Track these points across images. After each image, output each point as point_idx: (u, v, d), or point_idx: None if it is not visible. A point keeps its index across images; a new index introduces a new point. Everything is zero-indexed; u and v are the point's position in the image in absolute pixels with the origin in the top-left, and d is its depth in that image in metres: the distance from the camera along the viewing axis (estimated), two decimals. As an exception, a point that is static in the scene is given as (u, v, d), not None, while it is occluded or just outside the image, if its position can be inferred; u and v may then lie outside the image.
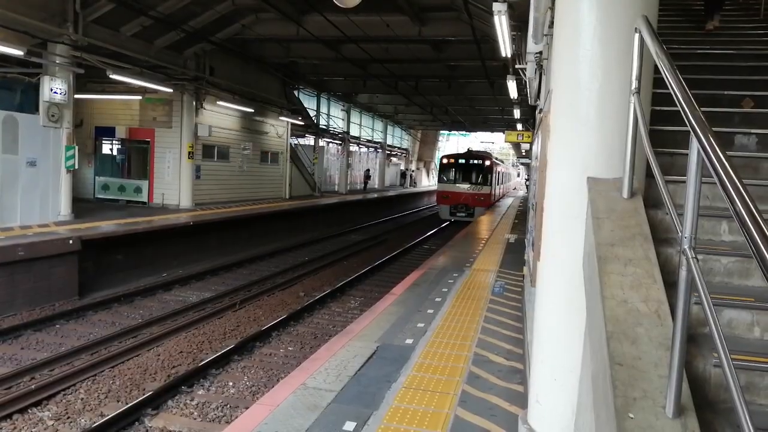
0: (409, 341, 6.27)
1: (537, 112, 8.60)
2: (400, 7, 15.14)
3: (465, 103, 30.46)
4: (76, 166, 14.66)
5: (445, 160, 31.28)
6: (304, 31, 15.86)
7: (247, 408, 4.86)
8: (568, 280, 3.43)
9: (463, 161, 30.08)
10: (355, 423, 4.24)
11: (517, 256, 12.81)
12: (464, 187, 29.18)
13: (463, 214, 28.86)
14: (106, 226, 13.22)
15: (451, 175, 29.84)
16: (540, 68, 6.63)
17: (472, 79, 23.89)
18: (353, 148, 35.74)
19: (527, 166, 55.30)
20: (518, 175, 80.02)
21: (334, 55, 18.73)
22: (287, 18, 15.59)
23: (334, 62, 20.75)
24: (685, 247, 1.87)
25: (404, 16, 15.81)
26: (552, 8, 4.55)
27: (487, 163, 30.03)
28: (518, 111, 22.16)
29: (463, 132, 43.89)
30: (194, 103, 18.25)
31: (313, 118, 28.50)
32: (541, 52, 6.35)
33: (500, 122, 36.51)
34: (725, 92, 4.84)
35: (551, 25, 5.08)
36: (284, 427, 4.11)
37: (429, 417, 4.41)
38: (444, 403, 4.68)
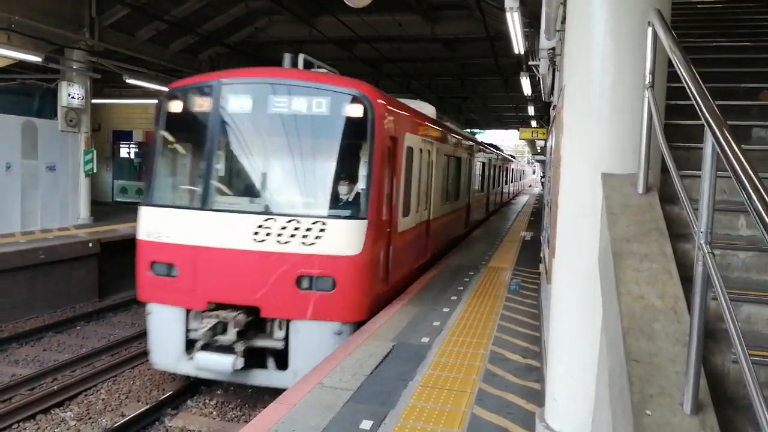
0: (425, 340, 6.27)
1: (551, 108, 8.55)
2: (411, 6, 15.13)
3: (478, 100, 30.31)
4: (95, 170, 14.87)
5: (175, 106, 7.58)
6: (316, 32, 15.91)
7: (264, 407, 4.89)
8: (584, 276, 3.42)
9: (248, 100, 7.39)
10: (372, 422, 4.25)
11: (532, 254, 12.75)
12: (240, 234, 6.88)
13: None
14: (125, 228, 13.37)
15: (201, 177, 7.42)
16: (553, 64, 6.60)
17: (486, 77, 23.78)
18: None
19: (542, 163, 54.80)
20: (533, 173, 79.54)
21: (346, 56, 18.77)
22: (299, 20, 15.65)
23: (347, 62, 20.77)
24: (701, 242, 1.85)
25: (416, 15, 15.80)
26: (564, 4, 4.53)
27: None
28: (532, 108, 22.04)
29: (477, 129, 41.12)
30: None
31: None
32: (553, 48, 6.31)
33: (514, 119, 36.27)
34: (741, 85, 4.78)
35: (563, 20, 5.05)
36: (301, 426, 4.13)
37: (446, 415, 4.41)
38: (461, 402, 4.68)
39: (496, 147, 25.01)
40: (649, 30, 2.85)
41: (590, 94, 3.34)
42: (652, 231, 2.71)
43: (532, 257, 12.22)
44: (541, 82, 9.72)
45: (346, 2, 6.69)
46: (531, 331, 6.82)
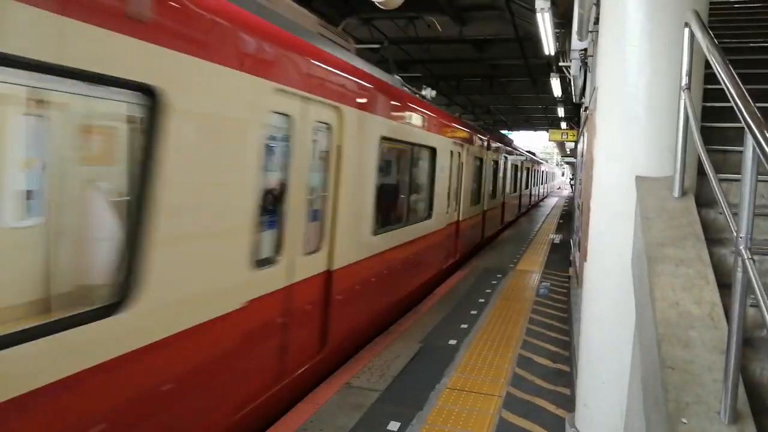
0: (452, 342, 6.24)
1: (582, 110, 8.44)
2: (440, 7, 15.09)
3: (507, 102, 30.07)
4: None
5: None
6: (345, 34, 15.98)
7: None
8: (616, 281, 3.37)
9: None
10: (399, 423, 4.25)
11: (562, 257, 12.61)
12: None
13: None
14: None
15: None
16: (585, 65, 6.52)
17: (515, 78, 23.56)
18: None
19: (571, 165, 54.08)
20: (562, 174, 78.62)
21: (375, 57, 18.81)
22: (329, 22, 15.74)
23: (375, 64, 20.83)
24: (741, 247, 1.81)
25: (445, 17, 15.75)
26: (597, 4, 4.47)
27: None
28: (562, 109, 21.80)
29: (506, 131, 40.61)
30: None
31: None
32: (585, 49, 6.24)
33: (543, 121, 35.88)
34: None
35: (596, 21, 4.99)
36: (329, 426, 4.15)
37: (474, 418, 4.39)
38: (488, 405, 4.65)
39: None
40: (686, 31, 2.80)
41: (624, 95, 3.29)
42: (688, 235, 2.66)
43: (561, 260, 12.09)
44: (572, 84, 9.62)
45: (378, 4, 6.69)
46: (560, 335, 6.74)
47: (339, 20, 15.80)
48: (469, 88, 25.89)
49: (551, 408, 4.67)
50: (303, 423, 4.17)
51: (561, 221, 22.51)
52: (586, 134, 5.48)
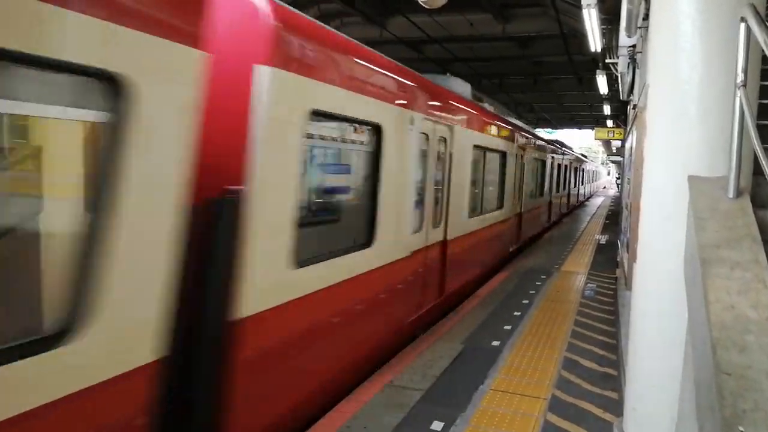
0: (495, 343, 6.20)
1: (630, 107, 8.25)
2: (483, 5, 14.97)
3: (552, 99, 29.60)
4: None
5: None
6: (387, 33, 16.02)
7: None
8: (667, 283, 3.29)
9: None
10: (443, 423, 4.24)
11: (608, 258, 12.34)
12: None
13: None
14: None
15: None
16: (633, 62, 6.37)
17: (559, 75, 23.18)
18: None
19: (618, 164, 52.78)
20: (608, 174, 76.92)
21: (416, 56, 18.78)
22: (371, 21, 15.80)
23: (417, 63, 20.80)
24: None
25: (488, 14, 15.61)
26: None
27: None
28: (608, 107, 21.33)
29: (549, 129, 39.90)
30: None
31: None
32: (634, 46, 6.10)
33: (588, 119, 35.16)
34: None
35: (646, 17, 4.87)
36: (373, 424, 4.18)
37: (518, 421, 4.35)
38: (533, 408, 4.59)
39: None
40: (742, 26, 2.70)
41: (676, 93, 3.21)
42: (744, 237, 2.58)
43: (608, 261, 11.84)
44: (619, 81, 9.40)
45: (422, 3, 6.71)
46: (607, 338, 6.60)
47: (383, 20, 15.89)
48: (512, 85, 25.59)
49: (598, 412, 4.58)
50: (347, 420, 4.21)
51: (607, 221, 22.03)
52: (634, 132, 5.35)
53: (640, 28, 5.11)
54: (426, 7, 7.04)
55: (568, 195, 25.14)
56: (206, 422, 3.32)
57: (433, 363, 5.50)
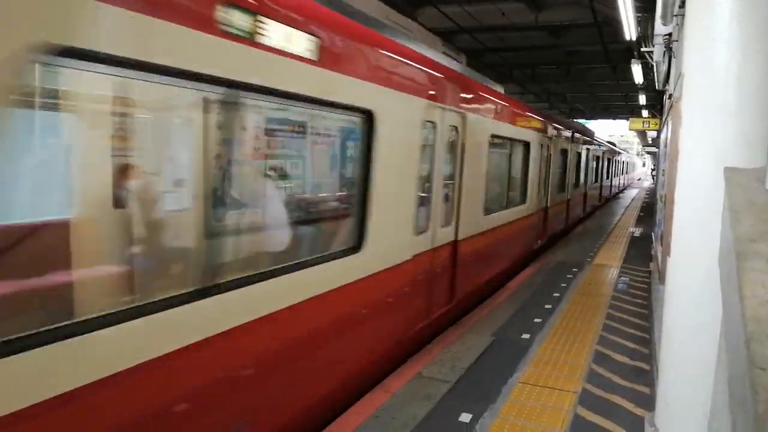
0: (525, 336, 6.16)
1: (666, 97, 8.07)
2: (515, -7, 14.79)
3: (585, 89, 29.09)
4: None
5: None
6: (417, 24, 15.93)
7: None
8: (701, 277, 3.23)
9: None
10: (471, 415, 4.25)
11: (641, 251, 12.13)
12: None
13: None
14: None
15: None
16: (669, 51, 6.22)
17: (593, 65, 22.75)
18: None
19: (653, 155, 51.62)
20: (643, 165, 75.39)
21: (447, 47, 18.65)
22: (401, 12, 15.74)
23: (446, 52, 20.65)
24: (842, 243, 1.70)
25: (520, 3, 15.41)
26: (684, -14, 4.26)
27: None
28: (643, 97, 20.86)
29: (583, 120, 38.96)
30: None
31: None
32: (670, 34, 5.95)
33: (623, 109, 34.44)
34: None
35: (682, 4, 4.75)
36: (401, 414, 4.21)
37: (548, 414, 4.33)
38: (563, 401, 4.57)
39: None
40: (783, 12, 2.63)
41: (713, 83, 3.13)
42: (781, 230, 2.52)
43: (642, 255, 11.64)
44: (655, 70, 9.19)
45: None
46: (640, 332, 6.51)
47: (412, 10, 15.82)
48: (545, 76, 25.23)
49: (629, 406, 4.53)
50: (375, 410, 4.25)
51: (641, 214, 21.62)
52: (670, 123, 5.24)
53: (676, 16, 4.99)
54: None
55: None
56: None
57: (462, 355, 5.51)
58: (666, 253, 4.33)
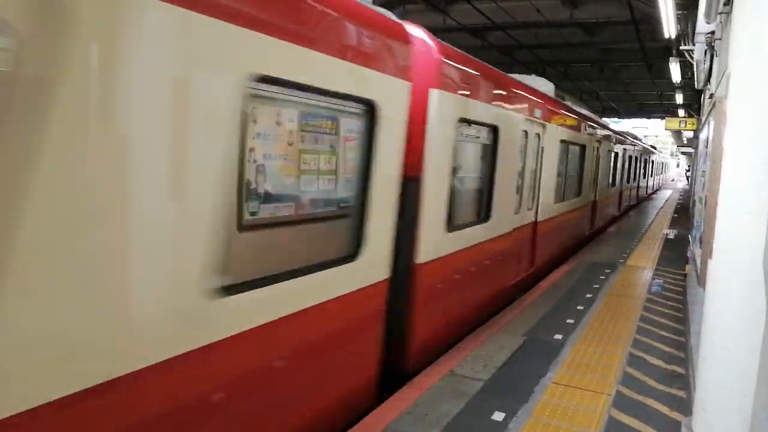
0: (557, 336, 6.11)
1: (706, 96, 7.90)
2: (551, -10, 14.61)
3: (619, 87, 28.59)
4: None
5: None
6: (450, 20, 15.86)
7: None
8: (744, 280, 3.17)
9: None
10: (504, 414, 4.24)
11: (676, 254, 11.91)
12: None
13: None
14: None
15: None
16: (711, 49, 6.09)
17: (628, 63, 22.35)
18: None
19: (688, 155, 50.44)
20: (677, 165, 73.86)
21: (479, 43, 18.50)
22: (434, 8, 15.68)
23: (480, 50, 20.48)
24: None
25: (555, 0, 15.22)
26: (730, -17, 4.17)
27: None
28: (680, 96, 20.42)
29: (616, 119, 38.12)
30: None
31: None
32: (713, 32, 5.82)
33: (658, 108, 33.81)
34: None
35: (727, 2, 4.65)
36: (434, 411, 4.22)
37: (581, 415, 4.29)
38: (597, 403, 4.52)
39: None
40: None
41: (760, 81, 3.07)
42: (833, 234, 2.46)
43: (677, 257, 11.42)
44: (695, 68, 9.01)
45: None
46: (675, 335, 6.40)
47: (446, 6, 15.75)
48: (578, 73, 24.88)
49: (665, 410, 4.47)
50: (408, 406, 4.27)
51: (675, 215, 21.21)
52: (711, 123, 5.13)
53: (720, 13, 4.88)
54: None
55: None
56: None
57: (494, 354, 5.49)
58: (707, 255, 4.25)
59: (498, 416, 4.20)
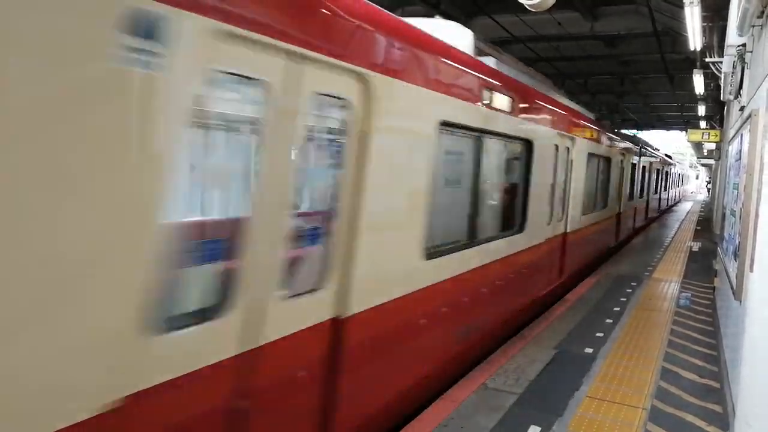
0: (588, 350, 6.08)
1: (736, 109, 7.86)
2: (572, 3, 14.63)
3: (638, 99, 28.44)
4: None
5: None
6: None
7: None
8: (790, 294, 3.15)
9: None
10: (540, 428, 4.23)
11: (702, 266, 11.78)
12: None
13: None
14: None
15: None
16: (742, 62, 6.07)
17: (648, 75, 22.27)
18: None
19: (708, 167, 49.88)
20: (696, 177, 73.11)
21: (498, 56, 18.57)
22: (455, 20, 15.77)
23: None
24: None
25: (576, 13, 15.24)
26: (765, -3, 4.17)
27: None
28: (703, 107, 20.25)
29: (635, 131, 37.71)
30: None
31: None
32: (744, 44, 5.82)
33: (678, 120, 33.54)
34: None
35: (761, 14, 4.65)
36: (470, 424, 4.22)
37: (618, 429, 4.26)
38: (633, 417, 4.49)
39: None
40: None
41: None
42: None
43: (702, 269, 11.30)
44: (723, 81, 8.96)
45: (527, 7, 6.69)
46: (706, 349, 6.33)
47: (466, 20, 15.84)
48: (598, 85, 24.82)
49: (701, 424, 4.43)
50: (443, 419, 4.28)
51: (698, 228, 20.98)
52: (744, 135, 5.11)
53: (753, 26, 4.88)
54: (533, 10, 7.07)
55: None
56: None
57: (526, 367, 5.47)
58: (744, 268, 4.22)
59: (534, 430, 4.19)
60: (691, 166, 67.50)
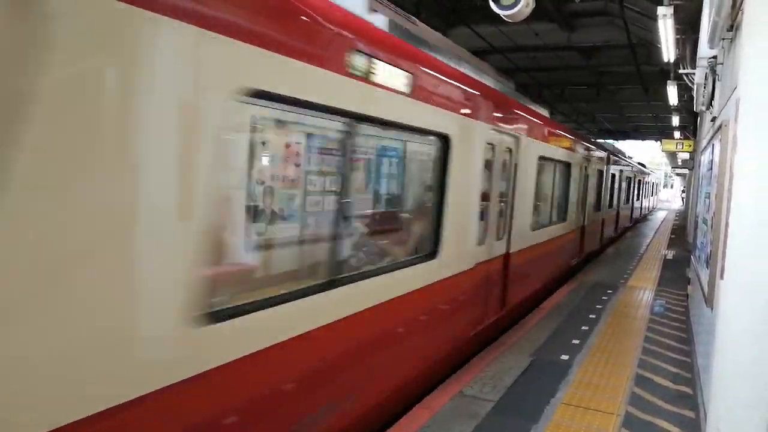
0: (564, 357, 6.12)
1: (708, 119, 8.02)
2: (549, 14, 14.84)
3: (614, 110, 28.92)
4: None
5: None
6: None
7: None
8: (760, 299, 3.21)
9: None
10: (516, 435, 4.24)
11: (676, 274, 11.96)
12: None
13: None
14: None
15: None
16: (713, 73, 6.20)
17: (624, 86, 22.67)
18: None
19: (682, 176, 50.77)
20: (670, 186, 74.37)
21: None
22: (435, 29, 15.88)
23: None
24: None
25: (553, 24, 15.46)
26: (735, 10, 4.27)
27: None
28: (677, 118, 20.64)
29: (611, 141, 38.23)
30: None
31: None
32: (715, 57, 5.94)
33: (653, 130, 34.14)
34: None
35: (730, 28, 4.75)
36: (446, 431, 4.22)
37: (592, 436, 4.29)
38: (607, 423, 4.52)
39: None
40: None
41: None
42: None
43: (676, 277, 11.47)
44: (695, 92, 9.14)
45: (504, 17, 6.70)
46: (679, 355, 6.42)
47: (445, 29, 15.95)
48: (575, 95, 25.17)
49: (675, 430, 4.48)
50: (420, 427, 4.26)
51: (672, 236, 21.32)
52: (715, 145, 5.21)
53: (724, 39, 4.99)
54: (509, 20, 6.96)
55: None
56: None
57: (502, 375, 5.49)
58: (713, 276, 4.29)
59: (510, 437, 4.20)
60: (666, 176, 68.69)
